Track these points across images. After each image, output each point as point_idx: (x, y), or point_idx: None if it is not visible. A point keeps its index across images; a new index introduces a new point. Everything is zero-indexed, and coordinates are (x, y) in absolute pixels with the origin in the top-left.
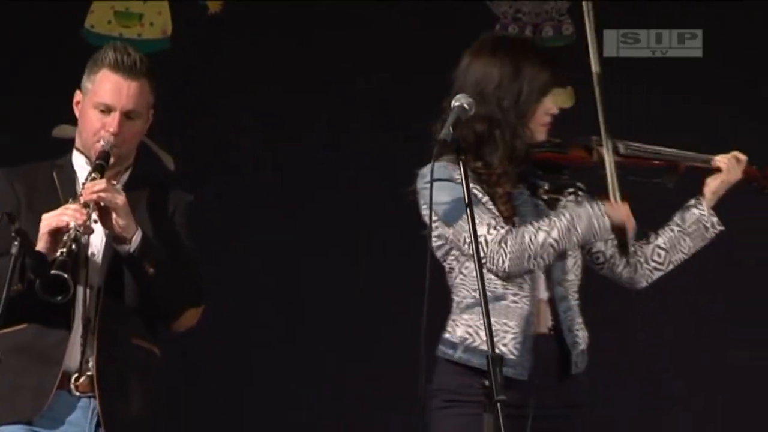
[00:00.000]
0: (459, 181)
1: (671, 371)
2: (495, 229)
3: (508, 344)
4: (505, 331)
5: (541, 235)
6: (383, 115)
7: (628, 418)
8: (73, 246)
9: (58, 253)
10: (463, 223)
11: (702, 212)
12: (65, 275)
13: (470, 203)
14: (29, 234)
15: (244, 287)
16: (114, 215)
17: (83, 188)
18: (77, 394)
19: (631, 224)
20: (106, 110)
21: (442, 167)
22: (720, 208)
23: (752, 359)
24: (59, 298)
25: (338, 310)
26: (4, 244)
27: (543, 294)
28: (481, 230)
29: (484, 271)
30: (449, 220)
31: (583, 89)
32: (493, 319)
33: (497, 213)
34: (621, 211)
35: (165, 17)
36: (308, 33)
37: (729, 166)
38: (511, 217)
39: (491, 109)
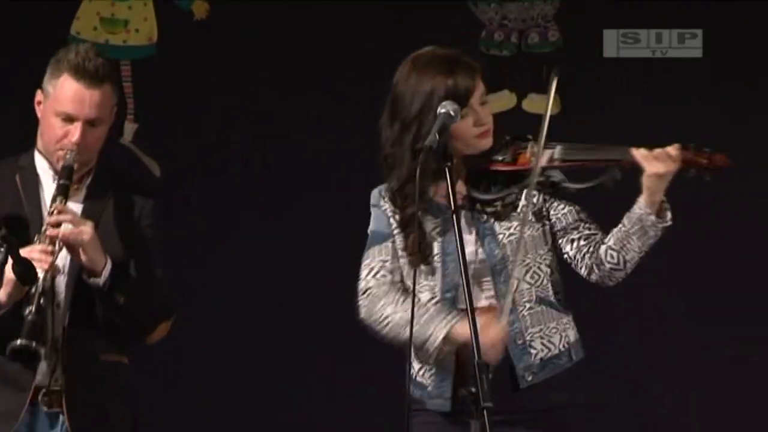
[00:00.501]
0: (383, 207)
1: (644, 368)
2: (371, 278)
3: (425, 376)
4: (421, 363)
5: (388, 309)
6: (372, 117)
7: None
8: (42, 300)
9: (26, 311)
10: (371, 251)
11: (641, 211)
12: (34, 345)
13: (457, 214)
14: None
15: (233, 287)
16: (81, 250)
17: (48, 217)
18: (45, 409)
19: (491, 354)
20: (68, 119)
21: (375, 191)
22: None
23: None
24: (30, 363)
25: (329, 310)
26: None
27: (483, 303)
28: (363, 271)
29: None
30: (365, 250)
31: (568, 96)
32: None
33: (394, 251)
34: (487, 337)
35: (151, 23)
36: (294, 37)
37: (649, 161)
38: (417, 252)
39: (395, 131)
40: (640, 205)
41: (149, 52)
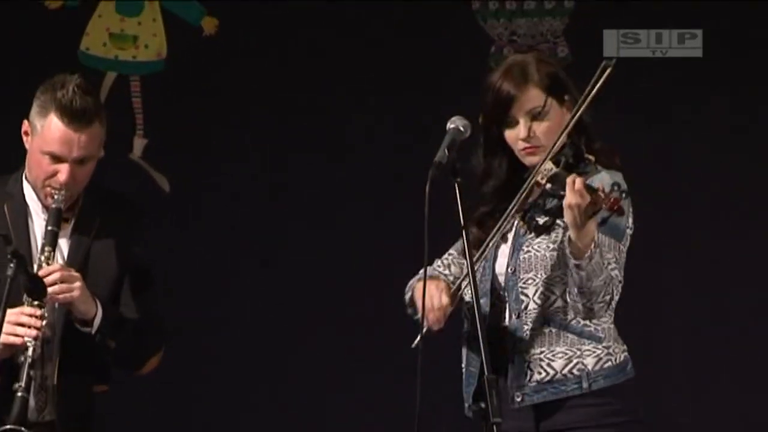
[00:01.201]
0: None
1: None
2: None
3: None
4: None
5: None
6: (382, 128)
7: None
8: (31, 373)
9: (16, 386)
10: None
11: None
12: (23, 431)
13: (466, 225)
14: None
15: (242, 299)
16: (71, 305)
17: (38, 268)
18: None
19: (430, 319)
20: (56, 159)
21: None
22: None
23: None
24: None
25: (342, 320)
26: None
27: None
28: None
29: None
30: None
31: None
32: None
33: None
34: (430, 302)
35: (160, 39)
36: (300, 52)
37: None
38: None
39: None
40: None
41: (158, 68)
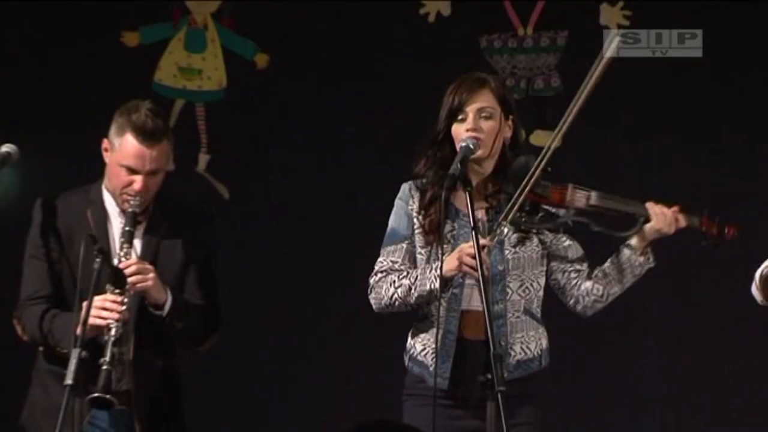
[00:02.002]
0: (411, 207)
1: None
2: (375, 275)
3: (427, 357)
4: (424, 346)
5: (390, 290)
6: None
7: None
8: (114, 350)
9: (101, 361)
10: (385, 249)
11: (630, 252)
12: (108, 398)
13: (476, 228)
14: (65, 275)
15: (295, 298)
16: (146, 293)
17: (117, 261)
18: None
19: (458, 269)
20: (132, 171)
21: (405, 185)
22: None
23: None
24: (103, 408)
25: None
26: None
27: (476, 305)
28: (375, 266)
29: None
30: (382, 244)
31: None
32: (421, 335)
33: (408, 253)
34: (450, 263)
35: (221, 72)
36: (342, 83)
37: (661, 219)
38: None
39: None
40: (631, 247)
41: (219, 96)
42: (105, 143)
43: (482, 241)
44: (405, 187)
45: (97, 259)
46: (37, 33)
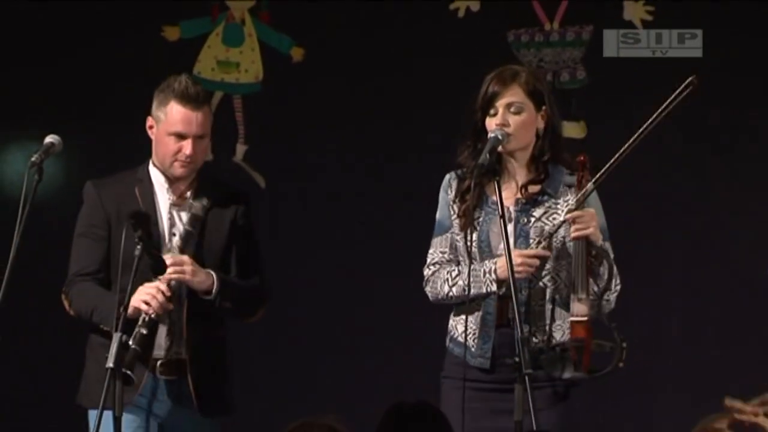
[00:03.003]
0: (449, 196)
1: None
2: (428, 267)
3: (469, 339)
4: (467, 328)
5: (446, 287)
6: (447, 148)
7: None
8: (145, 331)
9: (135, 333)
10: (434, 241)
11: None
12: (130, 374)
13: (504, 217)
14: (113, 254)
15: (327, 284)
16: (187, 282)
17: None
18: (163, 377)
19: (521, 270)
20: (180, 137)
21: (447, 176)
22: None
23: None
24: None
25: (420, 308)
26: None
27: (502, 291)
28: (427, 259)
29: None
30: (433, 236)
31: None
32: (464, 316)
33: (452, 242)
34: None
35: (257, 65)
36: (375, 76)
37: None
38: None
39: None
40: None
41: (256, 89)
42: (149, 121)
43: (542, 252)
44: (447, 177)
45: (138, 246)
46: (83, 28)
